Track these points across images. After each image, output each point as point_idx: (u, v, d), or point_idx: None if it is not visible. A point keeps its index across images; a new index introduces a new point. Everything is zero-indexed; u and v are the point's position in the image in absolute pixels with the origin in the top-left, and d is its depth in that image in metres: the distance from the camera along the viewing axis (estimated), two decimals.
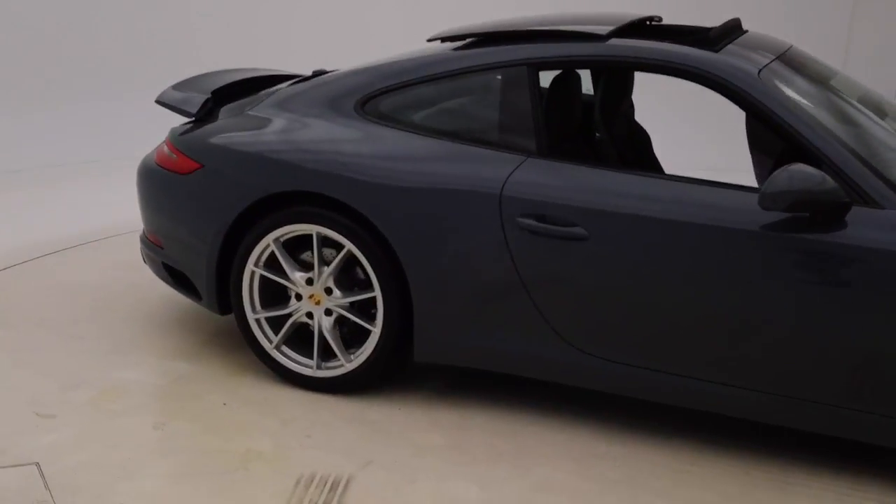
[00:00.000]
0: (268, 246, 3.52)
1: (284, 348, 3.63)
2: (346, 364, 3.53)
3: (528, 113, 3.31)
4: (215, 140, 3.68)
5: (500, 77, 3.39)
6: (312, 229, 3.44)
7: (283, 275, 3.55)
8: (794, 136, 2.98)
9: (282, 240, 3.50)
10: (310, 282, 3.52)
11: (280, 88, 3.82)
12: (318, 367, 3.57)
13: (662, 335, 3.14)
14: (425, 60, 3.53)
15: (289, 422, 3.38)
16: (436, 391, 3.61)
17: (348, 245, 3.39)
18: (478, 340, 3.36)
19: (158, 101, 3.96)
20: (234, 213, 3.53)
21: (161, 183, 3.80)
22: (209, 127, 3.76)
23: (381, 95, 3.53)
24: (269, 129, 3.62)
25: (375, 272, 3.38)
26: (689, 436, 3.35)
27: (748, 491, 3.04)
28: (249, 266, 3.57)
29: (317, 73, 4.02)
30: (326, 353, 3.58)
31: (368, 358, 3.49)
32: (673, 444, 3.30)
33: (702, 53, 3.16)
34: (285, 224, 3.47)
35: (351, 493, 2.97)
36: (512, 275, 3.22)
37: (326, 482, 3.01)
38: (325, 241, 3.47)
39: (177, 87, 4.07)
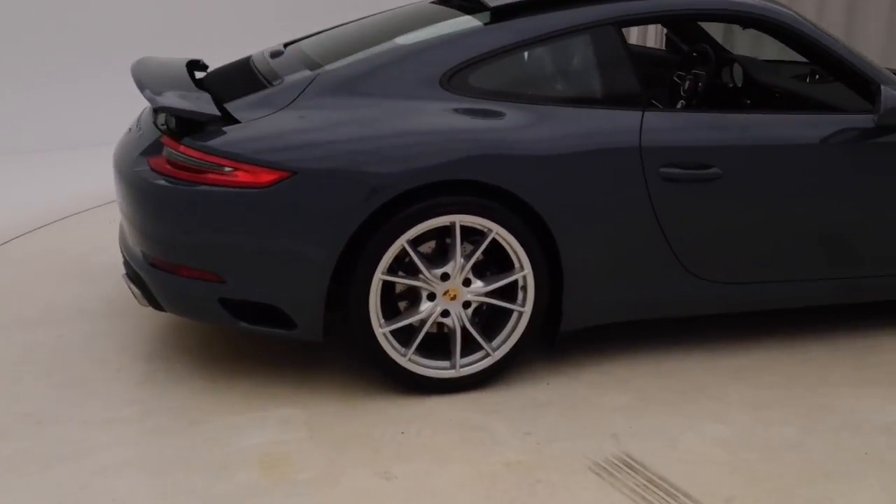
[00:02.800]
0: (399, 249, 3.13)
1: (413, 356, 3.28)
2: (492, 354, 3.32)
3: (628, 69, 3.42)
4: (308, 140, 3.13)
5: (589, 37, 3.41)
6: (451, 220, 3.15)
7: (412, 276, 3.20)
8: (853, 66, 3.57)
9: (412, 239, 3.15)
10: (444, 277, 3.22)
11: (323, 71, 3.32)
12: (459, 367, 3.30)
13: (788, 249, 3.56)
14: (505, 29, 3.39)
15: (490, 428, 3.12)
16: (541, 361, 3.57)
17: (496, 229, 3.18)
18: (617, 295, 3.43)
19: (164, 108, 3.19)
20: (358, 220, 3.07)
21: (216, 204, 3.08)
22: (264, 127, 3.15)
23: (466, 69, 3.31)
24: (365, 118, 3.17)
25: (526, 250, 3.23)
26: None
27: None
28: (378, 275, 3.14)
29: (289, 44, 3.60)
30: (446, 351, 3.32)
31: (517, 342, 3.33)
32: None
33: (759, 2, 3.57)
34: (421, 221, 3.13)
35: (649, 461, 2.93)
36: (652, 224, 3.35)
37: (617, 464, 2.92)
38: (445, 232, 3.20)
39: (153, 86, 3.29)
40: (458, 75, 3.29)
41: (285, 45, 4.19)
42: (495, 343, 3.33)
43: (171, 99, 3.23)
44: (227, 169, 3.08)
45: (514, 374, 3.43)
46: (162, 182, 3.16)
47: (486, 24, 3.46)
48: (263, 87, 3.38)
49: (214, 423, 3.11)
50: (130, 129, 3.72)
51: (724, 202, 3.43)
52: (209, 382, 3.38)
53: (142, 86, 3.31)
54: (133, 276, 3.39)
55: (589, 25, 3.41)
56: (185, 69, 3.63)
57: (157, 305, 3.33)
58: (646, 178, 3.31)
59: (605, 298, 3.42)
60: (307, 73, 3.36)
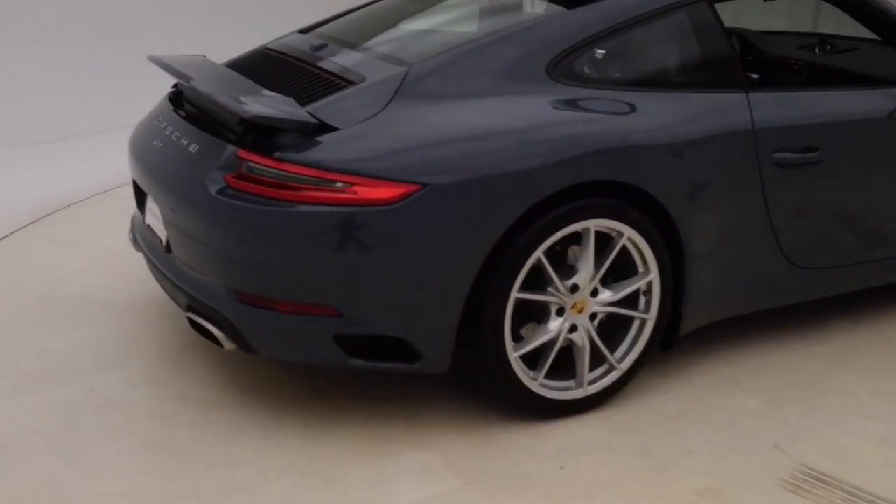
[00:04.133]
0: (534, 262, 2.80)
1: (542, 379, 2.96)
2: (617, 367, 3.05)
3: (726, 49, 3.21)
4: (431, 148, 2.71)
5: (686, 16, 3.17)
6: (585, 226, 2.85)
7: (542, 292, 2.88)
8: None
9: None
10: (572, 289, 2.91)
11: (414, 67, 2.89)
12: (587, 385, 3.01)
13: (876, 229, 3.48)
14: (598, 12, 3.08)
15: (648, 451, 2.85)
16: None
17: (627, 232, 2.90)
18: (729, 290, 3.23)
19: (259, 117, 2.67)
20: (496, 234, 2.71)
21: (329, 226, 2.62)
22: (374, 134, 2.72)
23: (570, 56, 2.99)
24: (481, 119, 2.79)
25: (655, 252, 2.98)
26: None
27: None
28: (514, 293, 2.79)
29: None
30: (563, 370, 3.02)
31: (642, 352, 3.08)
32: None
33: None
34: (557, 230, 2.80)
35: (833, 470, 2.77)
36: (761, 212, 3.18)
37: (804, 478, 2.73)
38: (569, 239, 2.90)
39: (223, 91, 2.79)
40: (563, 63, 2.96)
41: (303, 32, 3.72)
42: (617, 355, 3.06)
43: (258, 106, 2.72)
44: (338, 184, 2.64)
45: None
46: (252, 203, 2.67)
47: (570, 7, 3.15)
48: (338, 86, 2.91)
49: (351, 478, 2.68)
50: (159, 125, 3.19)
51: (827, 184, 3.31)
52: (310, 427, 2.93)
53: (208, 90, 2.81)
54: (207, 314, 2.87)
55: (684, 3, 3.16)
56: (232, 70, 3.12)
57: (246, 348, 2.83)
58: (759, 164, 3.12)
59: (719, 295, 3.21)
60: (393, 68, 2.93)
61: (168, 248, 3.06)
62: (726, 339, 3.52)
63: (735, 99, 3.13)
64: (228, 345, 2.85)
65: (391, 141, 2.72)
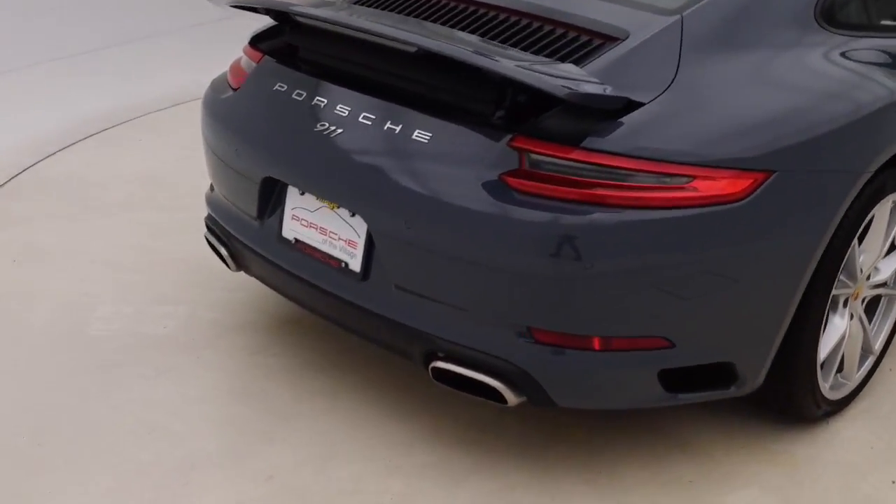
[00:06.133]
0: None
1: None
2: (874, 352, 2.68)
3: None
4: (768, 122, 2.13)
5: None
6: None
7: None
8: None
9: None
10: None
11: (685, 17, 2.25)
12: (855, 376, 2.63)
13: None
14: None
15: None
16: None
17: None
18: None
19: (584, 97, 1.97)
20: (833, 223, 2.21)
21: (664, 234, 2.00)
22: (691, 110, 2.10)
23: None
24: (802, 84, 2.26)
25: None
26: None
27: None
28: (833, 289, 2.32)
29: None
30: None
31: (892, 331, 2.73)
32: None
33: None
34: (870, 209, 2.35)
35: None
36: None
37: None
38: None
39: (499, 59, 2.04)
40: (831, 7, 2.47)
41: None
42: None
43: (567, 80, 2.00)
44: (676, 179, 2.01)
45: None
46: (556, 211, 1.99)
47: None
48: (593, 44, 2.21)
49: None
50: (288, 93, 2.42)
51: None
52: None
53: (464, 55, 2.05)
54: (475, 362, 2.15)
55: None
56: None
57: (541, 400, 2.16)
58: None
59: None
60: (655, 17, 2.28)
61: (365, 275, 2.27)
62: None
63: None
64: (514, 399, 2.16)
65: (720, 117, 2.12)
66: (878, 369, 2.78)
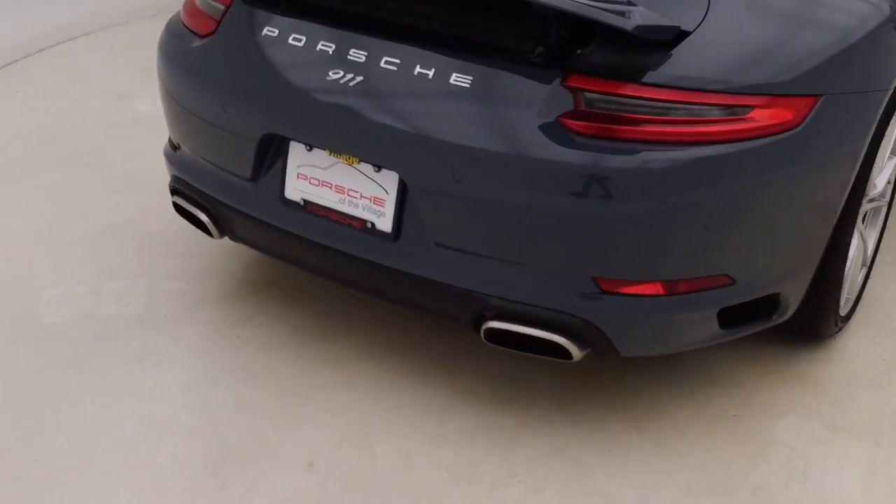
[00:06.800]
0: None
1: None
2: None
3: None
4: (814, 45, 2.05)
5: None
6: None
7: None
8: None
9: None
10: None
11: None
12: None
13: None
14: None
15: None
16: None
17: None
18: None
19: (647, 29, 1.80)
20: (866, 141, 2.18)
21: (730, 167, 1.90)
22: (740, 35, 1.98)
23: None
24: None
25: None
26: None
27: None
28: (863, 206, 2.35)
29: None
30: None
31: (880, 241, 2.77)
32: None
33: None
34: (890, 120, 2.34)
35: None
36: None
37: None
38: None
39: None
40: None
41: None
42: None
43: (623, 10, 1.84)
44: (735, 109, 1.91)
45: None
46: (621, 152, 1.87)
47: None
48: None
49: None
50: (282, 37, 2.17)
51: None
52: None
53: None
54: (534, 318, 2.00)
55: None
56: None
57: (606, 352, 2.04)
58: None
59: None
60: None
61: (397, 234, 2.07)
62: None
63: None
64: (579, 354, 2.03)
65: (766, 42, 2.01)
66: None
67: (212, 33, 2.31)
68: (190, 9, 2.44)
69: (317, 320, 2.57)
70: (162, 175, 2.59)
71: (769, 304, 2.20)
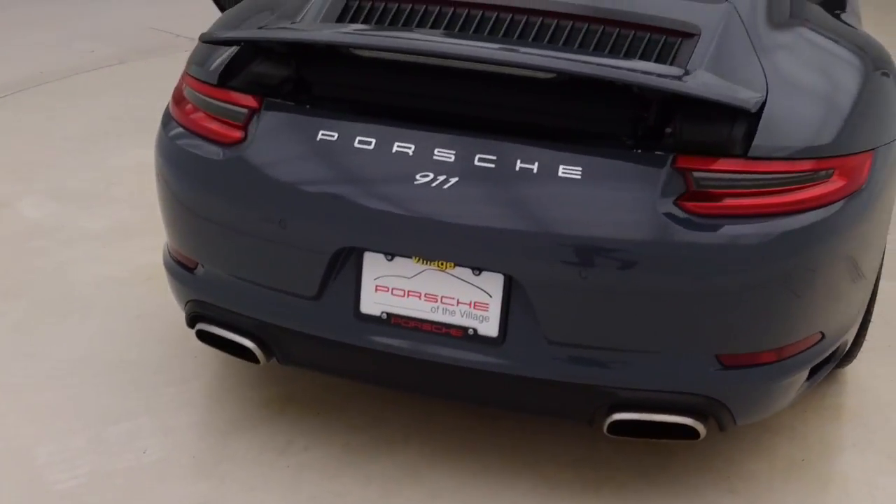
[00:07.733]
0: None
1: None
2: None
3: None
4: (861, 106, 2.14)
5: None
6: None
7: None
8: None
9: None
10: None
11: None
12: None
13: None
14: None
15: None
16: None
17: None
18: None
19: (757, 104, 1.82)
20: None
21: (823, 233, 1.96)
22: (791, 101, 2.04)
23: None
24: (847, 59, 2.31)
25: None
26: None
27: None
28: None
29: None
30: None
31: None
32: None
33: None
34: None
35: None
36: None
37: None
38: None
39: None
40: None
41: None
42: None
43: (734, 88, 1.85)
44: (825, 173, 1.98)
45: None
46: (742, 230, 1.88)
47: None
48: (669, 43, 2.07)
49: None
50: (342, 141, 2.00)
51: None
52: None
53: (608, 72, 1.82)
54: (664, 404, 1.96)
55: None
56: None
57: (726, 425, 2.02)
58: None
59: None
60: (714, 7, 2.16)
61: (503, 338, 1.96)
62: None
63: None
64: (704, 431, 2.00)
65: (824, 103, 2.10)
66: None
67: (241, 140, 2.09)
68: (192, 115, 2.20)
69: (364, 433, 2.39)
70: (106, 292, 2.30)
71: (838, 350, 2.28)
